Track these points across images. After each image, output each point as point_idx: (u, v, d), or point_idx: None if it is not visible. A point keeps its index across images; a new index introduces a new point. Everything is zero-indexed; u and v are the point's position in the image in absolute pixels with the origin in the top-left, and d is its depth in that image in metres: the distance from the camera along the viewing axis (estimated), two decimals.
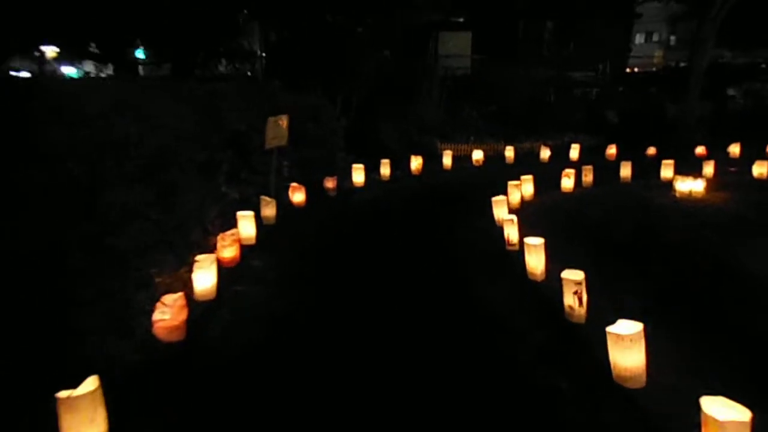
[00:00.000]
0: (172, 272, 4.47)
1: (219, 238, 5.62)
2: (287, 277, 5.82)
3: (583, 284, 4.19)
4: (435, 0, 16.19)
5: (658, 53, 40.52)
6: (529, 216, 7.65)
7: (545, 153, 13.22)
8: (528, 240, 5.22)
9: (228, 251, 5.65)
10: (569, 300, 4.21)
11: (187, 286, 4.61)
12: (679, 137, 15.12)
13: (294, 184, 8.46)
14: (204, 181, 5.66)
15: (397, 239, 7.07)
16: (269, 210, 7.48)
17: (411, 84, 14.51)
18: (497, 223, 7.20)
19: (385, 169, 10.87)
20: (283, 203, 8.16)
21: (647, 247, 6.35)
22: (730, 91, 18.64)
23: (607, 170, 11.06)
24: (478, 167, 12.52)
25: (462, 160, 12.87)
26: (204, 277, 4.76)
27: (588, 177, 9.96)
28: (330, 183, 9.33)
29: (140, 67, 14.71)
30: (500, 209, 7.22)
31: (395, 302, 5.02)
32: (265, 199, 7.50)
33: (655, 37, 42.43)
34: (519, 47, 18.16)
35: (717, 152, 13.65)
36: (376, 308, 4.89)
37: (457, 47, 18.77)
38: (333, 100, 11.64)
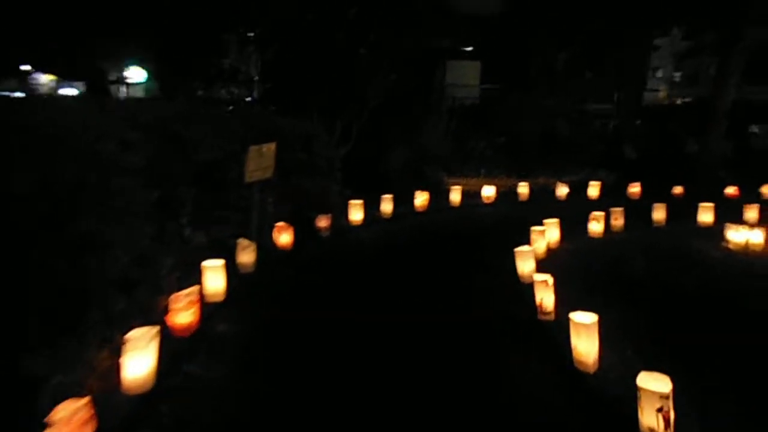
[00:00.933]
0: (80, 364, 3.20)
1: (172, 299, 4.35)
2: (259, 348, 4.53)
3: (671, 398, 2.91)
4: (444, 25, 15.26)
5: (663, 89, 39.99)
6: (558, 269, 6.40)
7: (562, 190, 12.04)
8: (576, 317, 3.95)
9: (182, 316, 4.38)
10: (650, 419, 2.93)
11: (105, 380, 3.33)
12: (703, 176, 13.99)
13: (280, 224, 7.23)
14: (157, 225, 4.42)
15: (400, 296, 5.80)
16: (247, 256, 6.24)
17: (417, 112, 13.46)
18: (521, 279, 5.95)
19: (386, 206, 9.67)
20: (267, 246, 6.93)
21: (724, 321, 5.01)
22: (753, 128, 17.63)
23: (633, 211, 9.89)
24: (489, 204, 11.32)
25: (471, 196, 11.67)
26: (137, 362, 3.48)
27: (618, 220, 8.73)
28: (323, 221, 8.10)
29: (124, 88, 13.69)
30: (525, 262, 5.97)
31: (400, 394, 3.72)
32: (242, 242, 6.26)
33: (659, 74, 41.97)
34: (530, 77, 17.19)
35: (746, 194, 12.51)
36: (374, 405, 3.60)
37: (465, 76, 17.82)
38: (331, 127, 10.52)
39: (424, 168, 11.81)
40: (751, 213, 9.40)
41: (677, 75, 42.00)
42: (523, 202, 11.71)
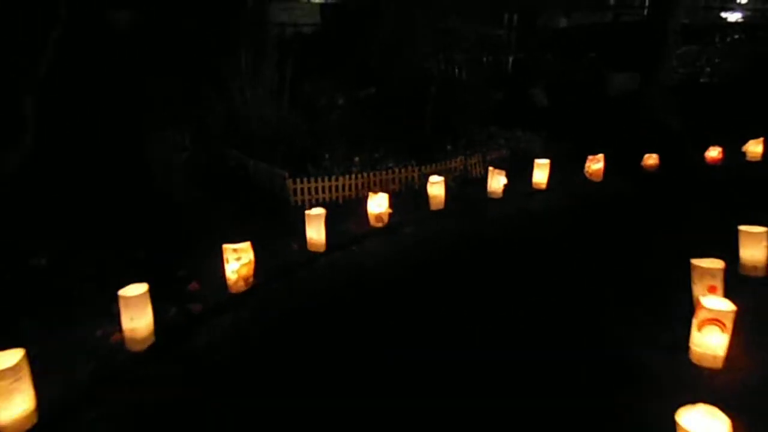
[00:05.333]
0: None
1: None
2: None
3: None
4: None
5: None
6: None
7: (497, 181, 6.83)
8: None
9: None
10: None
11: None
12: (651, 129, 9.95)
13: None
14: None
15: None
16: None
17: (216, 50, 7.00)
18: None
19: (137, 322, 3.44)
20: None
21: None
22: None
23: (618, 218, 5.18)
24: (385, 231, 5.68)
25: (343, 215, 5.88)
26: None
27: (717, 289, 3.72)
28: None
29: None
30: None
31: None
32: None
33: None
34: None
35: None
36: None
37: None
38: None
39: (246, 166, 5.62)
40: None
41: None
42: (440, 215, 6.26)
